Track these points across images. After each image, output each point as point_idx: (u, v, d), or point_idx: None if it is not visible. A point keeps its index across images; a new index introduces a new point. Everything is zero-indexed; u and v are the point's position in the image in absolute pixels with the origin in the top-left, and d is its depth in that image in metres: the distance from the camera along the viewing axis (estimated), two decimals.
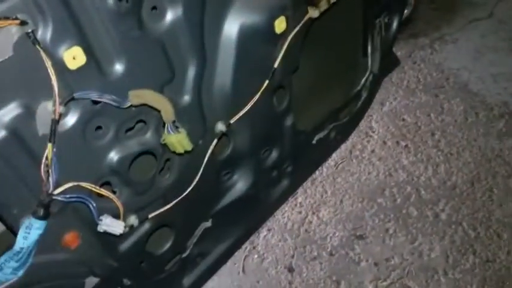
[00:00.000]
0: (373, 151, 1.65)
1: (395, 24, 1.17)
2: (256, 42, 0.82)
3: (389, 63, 1.37)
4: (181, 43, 0.72)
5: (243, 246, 1.29)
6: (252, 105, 0.86)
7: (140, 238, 0.79)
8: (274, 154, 1.01)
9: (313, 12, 0.88)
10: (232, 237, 1.01)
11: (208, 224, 0.95)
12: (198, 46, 0.75)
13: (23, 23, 0.53)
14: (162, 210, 0.79)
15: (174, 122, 0.68)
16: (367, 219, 1.49)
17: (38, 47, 0.55)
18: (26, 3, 0.53)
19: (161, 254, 0.85)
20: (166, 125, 0.68)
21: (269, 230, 1.42)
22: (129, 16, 0.64)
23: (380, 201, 1.51)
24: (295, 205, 1.53)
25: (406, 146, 1.63)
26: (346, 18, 1.08)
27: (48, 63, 0.57)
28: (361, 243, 1.42)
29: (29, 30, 0.54)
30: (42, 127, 0.60)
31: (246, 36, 0.80)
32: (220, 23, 0.77)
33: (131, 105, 0.65)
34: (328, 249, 1.42)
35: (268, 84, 0.87)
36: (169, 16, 0.70)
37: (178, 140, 0.69)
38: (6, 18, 0.52)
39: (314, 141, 1.10)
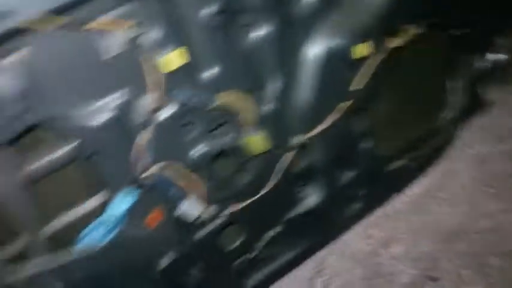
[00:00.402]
0: (454, 193, 1.59)
1: (479, 65, 1.17)
2: (337, 64, 0.88)
3: (475, 105, 1.35)
4: (269, 57, 0.81)
5: (311, 266, 1.31)
6: (329, 124, 0.91)
7: (213, 230, 0.86)
8: (349, 174, 1.05)
9: (394, 42, 0.93)
10: (299, 247, 1.05)
11: (278, 230, 1.00)
12: (284, 62, 0.83)
13: (135, 26, 0.64)
14: (237, 207, 0.86)
15: (254, 124, 0.75)
16: (442, 262, 1.43)
17: (144, 48, 0.66)
18: (140, 10, 0.65)
19: (230, 251, 0.91)
20: (247, 127, 0.76)
21: (339, 255, 1.42)
22: (224, 28, 0.73)
23: (458, 245, 1.44)
24: (367, 236, 1.51)
25: (492, 192, 1.56)
26: (429, 53, 1.11)
27: (151, 62, 0.67)
28: (432, 285, 1.37)
29: (138, 33, 0.65)
30: (141, 116, 0.71)
31: (328, 58, 0.87)
32: (305, 44, 0.85)
33: (217, 106, 0.74)
34: (397, 286, 1.38)
35: (346, 106, 0.92)
36: (259, 33, 0.79)
37: (256, 141, 0.76)
38: (121, 20, 0.63)
39: (390, 169, 1.12)
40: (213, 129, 0.80)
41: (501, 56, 1.49)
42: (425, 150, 1.17)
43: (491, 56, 1.53)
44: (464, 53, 1.15)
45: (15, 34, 0.57)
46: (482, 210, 1.52)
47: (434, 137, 1.19)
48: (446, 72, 1.16)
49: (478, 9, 1.10)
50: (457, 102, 1.18)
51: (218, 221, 0.88)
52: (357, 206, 1.10)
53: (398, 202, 1.59)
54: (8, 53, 0.58)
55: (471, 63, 1.19)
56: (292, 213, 1.01)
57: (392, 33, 0.93)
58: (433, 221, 1.53)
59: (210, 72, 0.75)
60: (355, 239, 1.50)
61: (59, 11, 0.58)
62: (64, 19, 0.59)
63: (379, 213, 1.56)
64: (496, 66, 1.52)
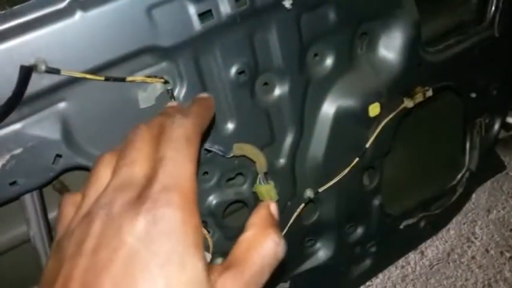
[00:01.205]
0: (473, 257, 1.57)
1: (497, 126, 1.19)
2: (350, 123, 0.92)
3: (493, 167, 1.36)
4: (284, 114, 0.86)
5: None
6: (340, 179, 0.94)
7: None
8: (359, 231, 1.06)
9: (408, 103, 0.97)
10: None
11: (286, 285, 1.01)
12: (298, 119, 0.88)
13: (166, 82, 0.71)
14: None
15: (265, 173, 0.80)
16: None
17: (173, 101, 0.73)
18: (171, 68, 0.71)
19: None
20: (258, 176, 0.80)
21: None
22: (244, 87, 0.79)
23: None
24: None
25: (511, 257, 1.53)
26: (445, 113, 1.14)
27: None
28: None
29: (169, 88, 0.72)
30: None
31: (341, 117, 0.91)
32: (319, 103, 0.90)
33: (233, 156, 0.79)
34: None
35: (358, 162, 0.96)
36: (277, 91, 0.84)
37: (267, 190, 0.80)
38: (155, 76, 0.70)
39: (402, 227, 1.12)
40: (229, 179, 0.84)
41: None
42: (440, 209, 1.18)
43: (510, 119, 1.55)
44: (481, 114, 1.18)
45: (61, 85, 0.64)
46: (499, 275, 1.49)
47: (450, 196, 1.20)
48: (464, 134, 1.19)
49: (494, 72, 1.14)
50: (475, 164, 1.19)
51: None
52: (367, 262, 1.10)
53: (418, 265, 1.57)
54: (53, 102, 0.65)
55: (490, 125, 1.22)
56: (300, 269, 1.02)
57: (407, 93, 0.98)
58: (451, 285, 1.50)
59: (230, 125, 0.80)
60: None
61: (101, 68, 0.65)
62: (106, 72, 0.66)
63: (397, 274, 1.54)
64: None
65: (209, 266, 0.36)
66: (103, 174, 0.41)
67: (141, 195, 0.36)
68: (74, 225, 0.37)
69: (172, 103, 0.68)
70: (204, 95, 0.63)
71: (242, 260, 0.38)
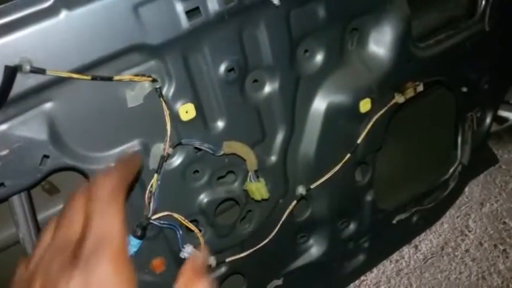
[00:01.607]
0: (467, 251, 1.57)
1: (488, 120, 1.19)
2: (341, 119, 0.92)
3: (485, 160, 1.36)
4: (274, 111, 0.85)
5: None
6: (332, 175, 0.94)
7: (214, 281, 0.88)
8: (352, 227, 1.06)
9: (399, 98, 0.96)
10: None
11: (279, 282, 1.01)
12: (289, 116, 0.87)
13: (154, 81, 0.71)
14: (239, 256, 0.88)
15: (255, 171, 0.79)
16: None
17: (161, 100, 0.72)
18: (159, 66, 0.71)
19: None
20: (249, 174, 0.80)
21: None
22: (234, 85, 0.79)
23: None
24: None
25: (504, 250, 1.53)
26: (436, 108, 1.14)
27: (167, 114, 0.73)
28: None
29: (157, 87, 0.71)
30: (153, 162, 0.75)
31: (332, 113, 0.90)
32: (310, 99, 0.89)
33: (223, 154, 0.78)
34: None
35: (350, 158, 0.95)
36: (267, 89, 0.84)
37: (257, 188, 0.79)
38: (143, 75, 0.70)
39: (394, 222, 1.12)
40: (220, 177, 0.84)
41: None
42: (433, 203, 1.18)
43: (503, 113, 1.56)
44: (473, 109, 1.18)
45: (48, 85, 0.63)
46: (493, 268, 1.50)
47: (442, 190, 1.20)
48: (456, 128, 1.19)
49: (485, 66, 1.14)
50: (467, 158, 1.19)
51: (219, 271, 0.90)
52: (360, 258, 1.10)
53: (412, 259, 1.58)
54: (39, 103, 0.64)
55: (482, 119, 1.22)
56: (293, 266, 1.02)
57: (398, 89, 0.97)
58: (445, 278, 1.50)
59: (220, 123, 0.80)
60: None
61: (87, 68, 0.65)
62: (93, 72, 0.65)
63: (392, 269, 1.55)
64: (508, 122, 1.54)
65: None
66: (47, 237, 0.45)
67: (75, 255, 0.39)
68: (20, 286, 0.43)
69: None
70: (130, 153, 0.70)
71: None
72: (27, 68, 0.59)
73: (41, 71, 0.60)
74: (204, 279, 0.47)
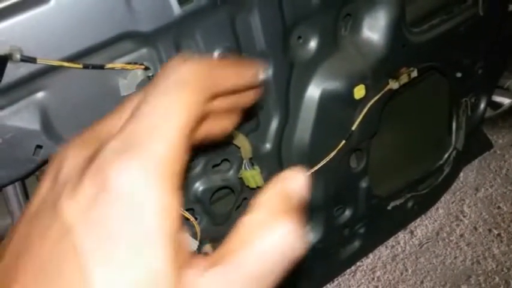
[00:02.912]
0: (462, 235, 1.59)
1: (482, 105, 1.20)
2: (335, 105, 0.92)
3: (479, 145, 1.37)
4: (268, 99, 0.85)
5: None
6: (327, 162, 0.94)
7: None
8: (347, 213, 1.06)
9: (393, 84, 0.96)
10: None
11: None
12: (283, 103, 0.87)
13: (146, 68, 0.70)
14: None
15: (250, 159, 0.79)
16: None
17: None
18: (151, 54, 0.70)
19: None
20: (243, 162, 0.80)
21: None
22: None
23: None
24: (373, 278, 1.51)
25: (499, 234, 1.55)
26: (430, 93, 1.14)
27: None
28: None
29: (150, 75, 0.71)
30: None
31: (326, 100, 0.90)
32: (304, 86, 0.89)
33: (219, 142, 0.78)
34: None
35: (344, 145, 0.95)
36: (261, 76, 0.83)
37: (252, 176, 0.80)
38: (135, 63, 0.69)
39: (389, 208, 1.13)
40: (215, 165, 0.84)
41: (506, 99, 1.52)
42: (427, 189, 1.19)
43: (498, 98, 1.56)
44: (467, 94, 1.19)
45: (39, 74, 0.62)
46: (488, 252, 1.51)
47: (437, 175, 1.21)
48: (450, 113, 1.19)
49: (479, 51, 1.14)
50: (461, 143, 1.20)
51: None
52: (356, 244, 1.11)
53: (407, 244, 1.59)
54: (31, 92, 0.64)
55: (476, 105, 1.22)
56: None
57: (392, 75, 0.97)
58: (440, 263, 1.52)
59: None
60: (362, 282, 1.49)
61: (79, 56, 0.64)
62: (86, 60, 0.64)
63: (387, 254, 1.56)
64: (502, 107, 1.55)
65: (189, 260, 0.26)
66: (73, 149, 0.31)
67: (96, 153, 0.26)
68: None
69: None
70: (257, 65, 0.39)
71: (239, 252, 0.27)
72: (18, 56, 0.58)
73: (32, 60, 0.60)
74: (297, 215, 0.29)
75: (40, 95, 0.64)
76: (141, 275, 0.23)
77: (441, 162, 1.19)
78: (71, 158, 0.28)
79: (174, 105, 0.27)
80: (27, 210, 0.28)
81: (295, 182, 0.31)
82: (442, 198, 1.52)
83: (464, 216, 1.64)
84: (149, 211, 0.24)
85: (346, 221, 1.07)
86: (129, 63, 0.69)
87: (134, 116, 0.26)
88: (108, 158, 0.25)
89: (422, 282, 1.47)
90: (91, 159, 0.26)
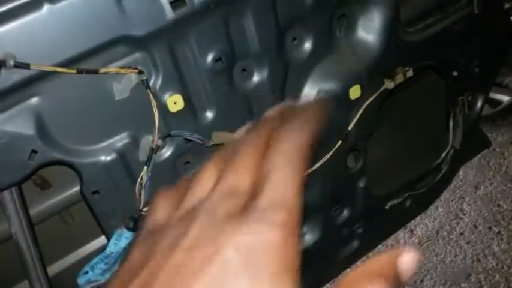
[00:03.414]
0: (462, 234, 1.59)
1: (479, 104, 1.19)
2: (331, 106, 0.92)
3: (478, 144, 1.36)
4: (264, 100, 0.85)
5: None
6: (324, 162, 0.94)
7: None
8: (345, 213, 1.06)
9: (389, 84, 0.96)
10: None
11: None
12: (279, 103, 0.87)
13: (140, 72, 0.70)
14: None
15: None
16: None
17: (149, 91, 0.72)
18: (145, 58, 0.71)
19: None
20: None
21: None
22: (222, 74, 0.79)
23: (464, 286, 1.43)
24: None
25: (499, 232, 1.55)
26: (427, 92, 1.14)
27: (155, 105, 0.73)
28: None
29: (144, 78, 0.71)
30: (143, 154, 0.76)
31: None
32: (299, 87, 0.89)
33: (213, 144, 0.79)
34: None
35: (341, 145, 0.96)
36: (256, 78, 0.83)
37: None
38: (129, 67, 0.69)
39: (387, 207, 1.13)
40: None
41: (505, 97, 1.51)
42: (425, 188, 1.19)
43: (496, 96, 1.56)
44: (464, 93, 1.18)
45: (33, 80, 0.63)
46: (488, 250, 1.51)
47: (435, 174, 1.21)
48: (447, 112, 1.19)
49: (475, 50, 1.14)
50: (459, 141, 1.20)
51: None
52: (354, 244, 1.11)
53: (407, 243, 1.59)
54: (25, 98, 0.64)
55: (473, 103, 1.22)
56: None
57: (388, 75, 0.97)
58: (440, 261, 1.52)
59: (209, 114, 0.80)
60: None
61: (72, 61, 0.64)
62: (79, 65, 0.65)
63: None
64: (501, 105, 1.54)
65: None
66: (207, 180, 0.39)
67: (247, 207, 0.34)
68: (172, 222, 0.37)
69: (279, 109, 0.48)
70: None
71: None
72: (11, 63, 0.59)
73: (25, 66, 0.60)
74: None
75: (34, 100, 0.65)
76: None
77: (439, 160, 1.19)
78: (218, 198, 0.35)
79: (295, 174, 0.35)
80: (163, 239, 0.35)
81: (407, 259, 0.33)
82: (442, 197, 1.52)
83: (464, 214, 1.64)
84: (287, 253, 0.32)
85: (345, 221, 1.07)
86: (123, 67, 0.69)
87: (268, 183, 0.34)
88: (261, 214, 0.32)
89: (422, 280, 1.47)
90: (245, 210, 0.33)
